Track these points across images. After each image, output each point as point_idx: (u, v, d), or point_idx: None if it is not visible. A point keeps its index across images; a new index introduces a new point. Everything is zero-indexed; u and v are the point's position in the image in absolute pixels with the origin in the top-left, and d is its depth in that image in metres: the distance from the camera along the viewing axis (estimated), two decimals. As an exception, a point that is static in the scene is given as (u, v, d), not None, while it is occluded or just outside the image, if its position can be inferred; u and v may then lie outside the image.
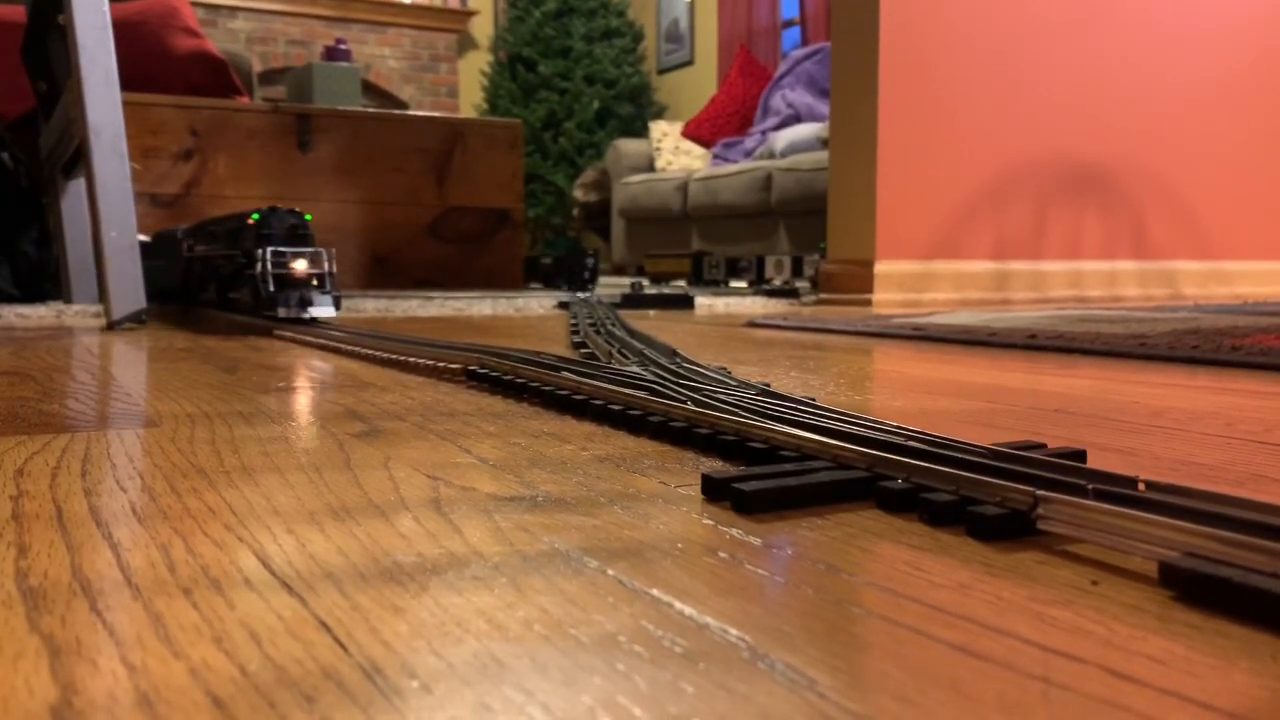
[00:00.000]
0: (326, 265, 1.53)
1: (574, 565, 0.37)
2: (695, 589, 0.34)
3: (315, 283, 1.51)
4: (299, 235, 1.53)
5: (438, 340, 1.11)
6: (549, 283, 3.48)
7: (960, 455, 0.47)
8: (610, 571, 0.36)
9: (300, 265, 1.50)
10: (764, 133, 4.58)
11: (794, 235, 4.02)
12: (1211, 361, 1.10)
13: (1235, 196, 2.91)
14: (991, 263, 2.54)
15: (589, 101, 5.75)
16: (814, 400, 0.66)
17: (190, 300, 1.98)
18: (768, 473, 0.48)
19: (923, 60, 2.42)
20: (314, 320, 1.50)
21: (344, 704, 0.25)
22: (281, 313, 1.48)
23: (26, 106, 2.47)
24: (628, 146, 5.22)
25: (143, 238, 1.94)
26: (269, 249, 1.49)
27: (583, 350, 1.17)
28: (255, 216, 1.49)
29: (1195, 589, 0.33)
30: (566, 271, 3.27)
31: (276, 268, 1.49)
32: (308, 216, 1.53)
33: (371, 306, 2.26)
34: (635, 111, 5.94)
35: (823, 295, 2.54)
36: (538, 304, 2.38)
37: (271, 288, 1.48)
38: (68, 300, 2.36)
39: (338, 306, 1.54)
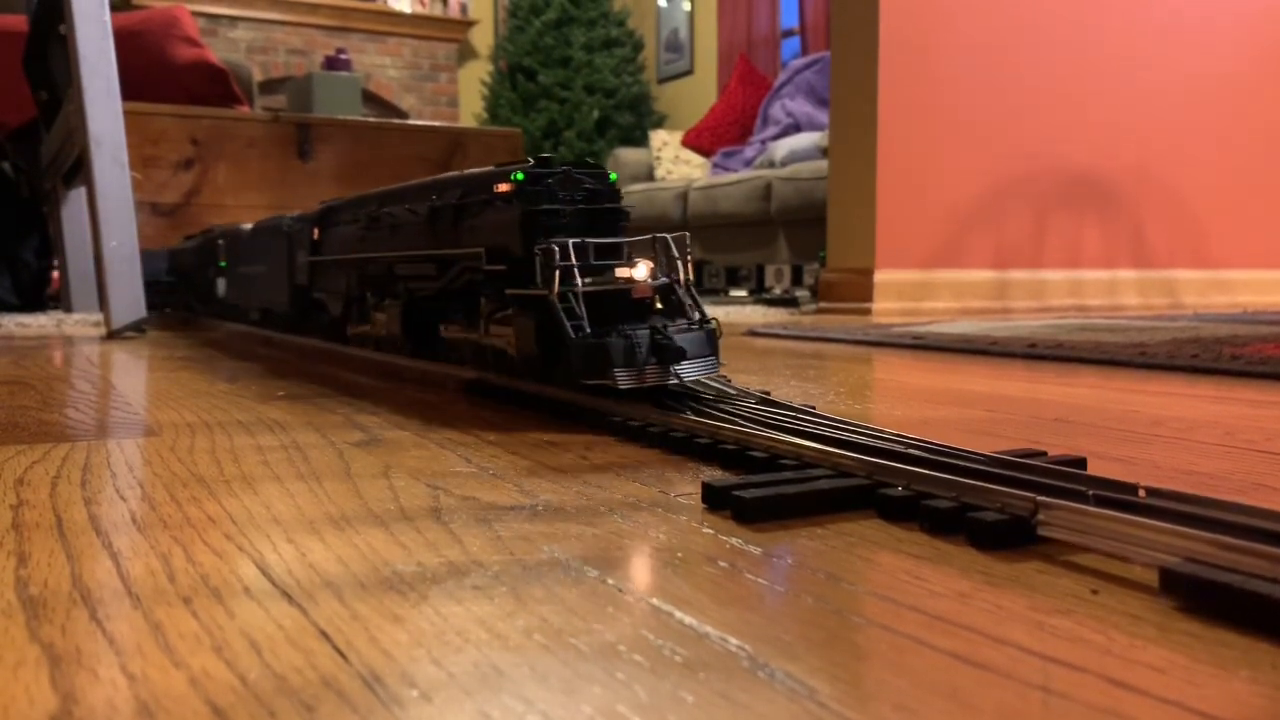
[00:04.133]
0: (681, 270, 0.77)
1: (574, 574, 0.37)
2: (695, 598, 0.34)
3: (663, 307, 0.77)
4: (608, 215, 0.79)
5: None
6: None
7: (960, 463, 0.47)
8: (610, 580, 0.36)
9: (639, 275, 0.75)
10: (764, 142, 4.58)
11: (794, 244, 4.02)
12: (1212, 370, 1.10)
13: (1235, 205, 2.91)
14: (991, 271, 2.54)
15: (589, 111, 5.76)
16: (813, 408, 0.66)
17: (325, 333, 1.28)
18: (768, 481, 0.48)
19: (922, 69, 2.43)
20: (694, 396, 0.71)
21: (344, 713, 0.25)
22: (623, 380, 0.69)
23: (27, 116, 2.47)
24: (628, 155, 5.23)
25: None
26: (560, 243, 0.73)
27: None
28: (519, 176, 0.77)
29: (1196, 595, 0.33)
30: None
31: (590, 285, 0.73)
32: (613, 176, 0.80)
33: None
34: (635, 121, 5.95)
35: (823, 304, 2.54)
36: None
37: (584, 327, 0.71)
38: (68, 309, 2.36)
39: (716, 354, 0.74)
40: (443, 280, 0.90)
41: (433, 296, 0.94)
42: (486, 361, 0.87)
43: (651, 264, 0.76)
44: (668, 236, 0.76)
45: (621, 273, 0.75)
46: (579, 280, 0.72)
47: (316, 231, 1.23)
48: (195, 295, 2.13)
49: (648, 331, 0.70)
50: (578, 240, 0.73)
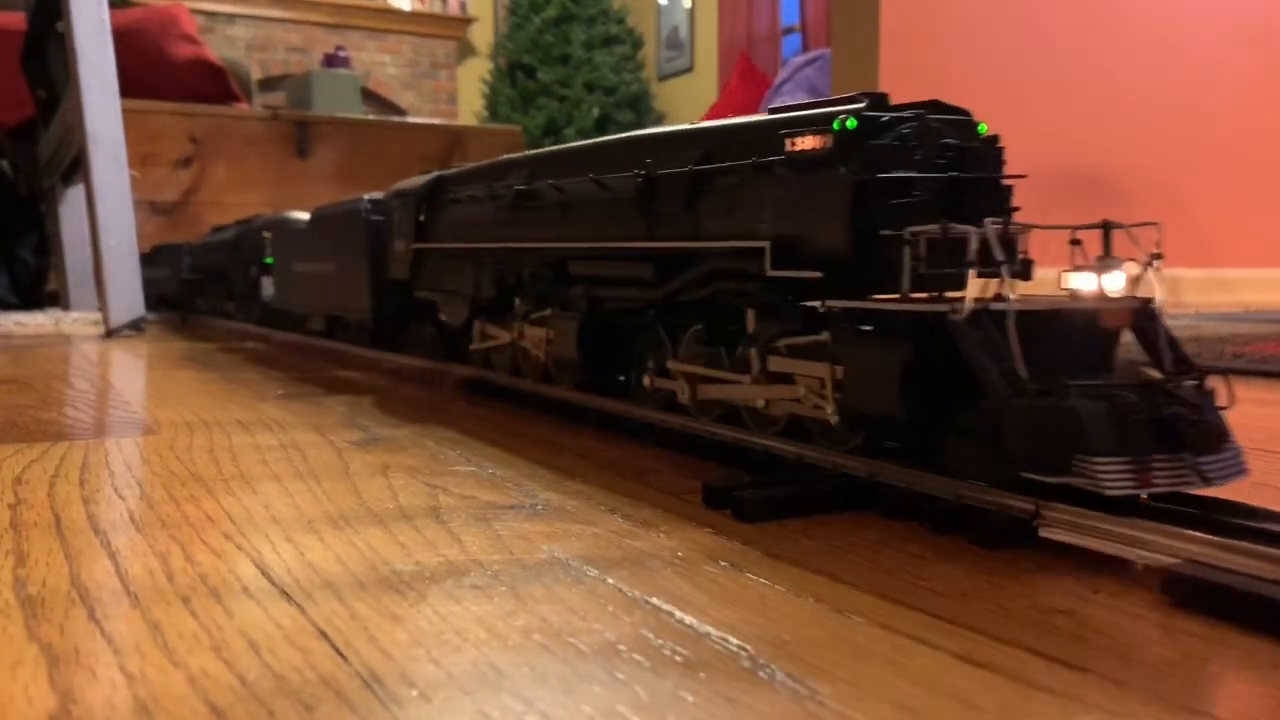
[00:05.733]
0: (1156, 285, 0.49)
1: (574, 574, 0.37)
2: (695, 598, 0.34)
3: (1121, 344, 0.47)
4: (985, 191, 0.51)
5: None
6: None
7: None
8: (610, 580, 0.36)
9: (1113, 286, 0.47)
10: (763, 140, 4.58)
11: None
12: (1213, 369, 1.10)
13: (1237, 203, 2.91)
14: (990, 269, 2.54)
15: (589, 108, 5.76)
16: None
17: (432, 349, 1.04)
18: (768, 481, 0.48)
19: (923, 66, 2.42)
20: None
21: (343, 712, 0.25)
22: (1113, 478, 0.37)
23: (25, 114, 2.47)
24: (627, 154, 5.22)
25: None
26: (956, 231, 0.44)
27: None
28: (848, 124, 0.48)
29: (1197, 596, 0.33)
30: None
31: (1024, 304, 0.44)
32: (981, 127, 0.52)
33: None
34: (635, 118, 5.95)
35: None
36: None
37: (1021, 375, 0.40)
38: (66, 307, 2.36)
39: (1230, 435, 0.43)
40: (668, 286, 0.61)
41: (636, 309, 0.67)
42: (756, 422, 0.56)
43: (1124, 270, 0.47)
44: (1129, 225, 0.47)
45: (1080, 284, 0.47)
46: (1008, 288, 0.43)
47: (422, 212, 0.93)
48: (233, 298, 1.85)
49: (1140, 389, 0.41)
50: (994, 223, 0.44)
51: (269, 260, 1.55)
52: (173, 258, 2.36)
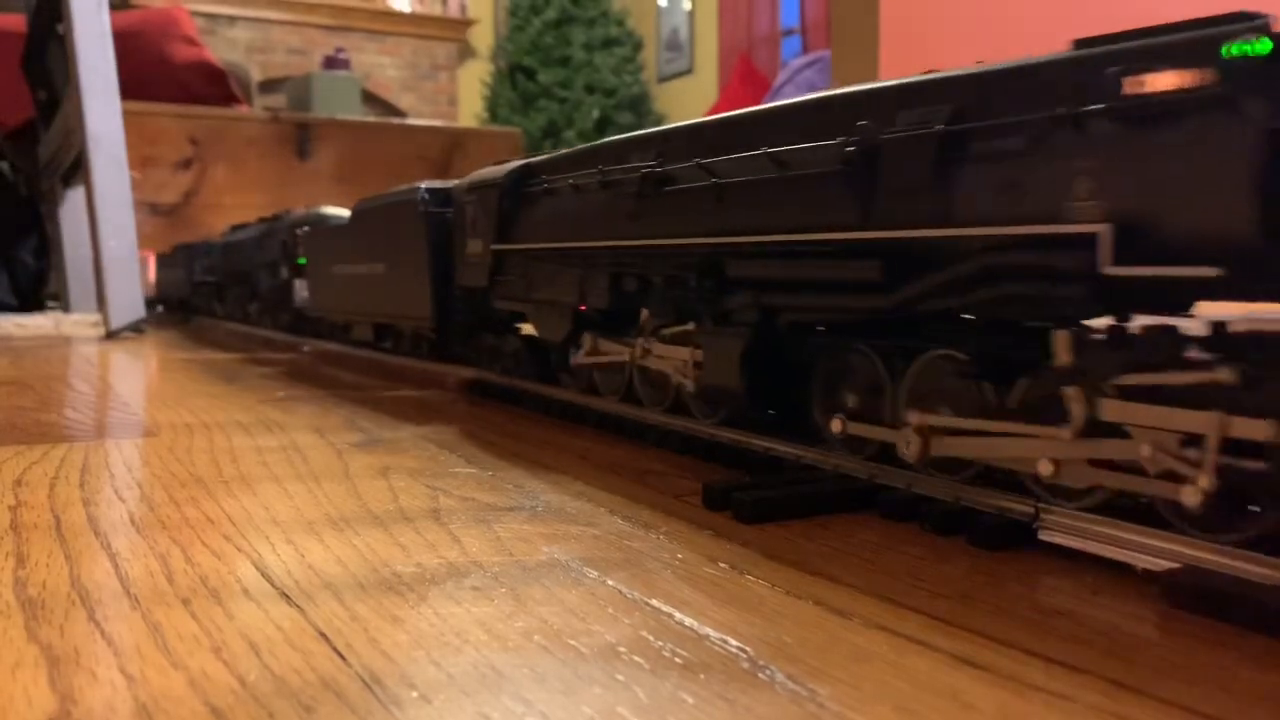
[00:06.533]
0: None
1: (574, 575, 0.37)
2: (695, 599, 0.34)
3: None
4: None
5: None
6: None
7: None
8: (610, 582, 0.36)
9: None
10: (763, 141, 4.59)
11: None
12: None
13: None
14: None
15: (589, 110, 5.76)
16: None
17: (513, 364, 0.87)
18: (769, 483, 0.48)
19: (923, 68, 2.43)
20: None
21: (343, 714, 0.25)
22: None
23: (26, 116, 2.47)
24: (627, 155, 5.23)
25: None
26: None
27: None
28: (1258, 47, 0.32)
29: (1196, 600, 0.33)
30: None
31: None
32: None
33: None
34: (635, 120, 5.95)
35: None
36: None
37: None
38: (66, 309, 2.36)
39: None
40: (905, 292, 0.45)
41: (832, 324, 0.53)
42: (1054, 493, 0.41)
43: None
44: None
45: None
46: None
47: (505, 207, 0.79)
48: (260, 302, 1.72)
49: None
50: None
51: (302, 261, 1.41)
52: (191, 259, 2.26)
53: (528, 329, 0.83)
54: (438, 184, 0.93)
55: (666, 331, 0.63)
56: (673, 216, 0.58)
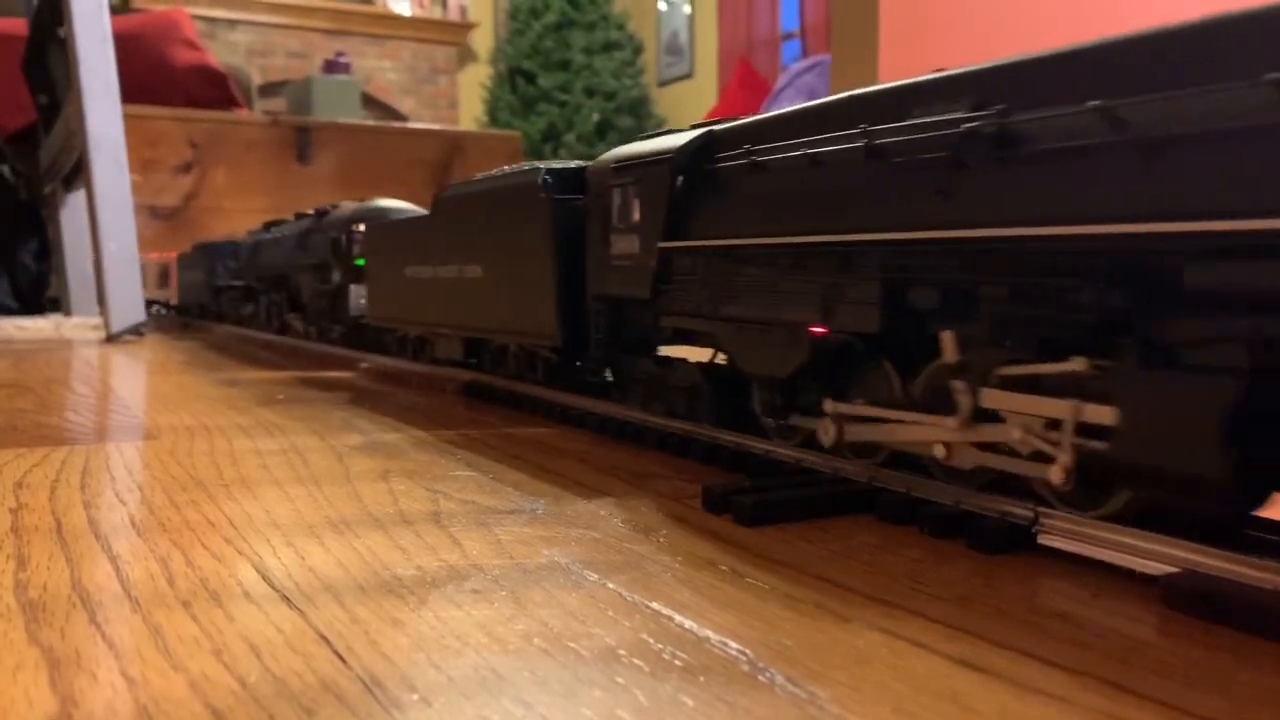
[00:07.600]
0: None
1: (574, 578, 0.37)
2: (695, 602, 0.34)
3: None
4: None
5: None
6: None
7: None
8: (610, 585, 0.36)
9: None
10: (763, 145, 4.59)
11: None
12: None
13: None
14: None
15: (589, 114, 5.77)
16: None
17: (693, 405, 0.64)
18: (768, 486, 0.48)
19: (923, 70, 2.43)
20: None
21: (343, 716, 0.25)
22: None
23: (27, 119, 2.48)
24: (627, 159, 5.22)
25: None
26: None
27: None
28: None
29: (1195, 603, 0.33)
30: None
31: None
32: None
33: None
34: (635, 124, 5.95)
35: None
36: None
37: None
38: (67, 312, 2.36)
39: None
40: None
41: None
42: None
43: None
44: None
45: None
46: None
47: (674, 187, 0.59)
48: (303, 311, 1.51)
49: None
50: None
51: (360, 262, 1.22)
52: (213, 260, 2.05)
53: (690, 353, 0.64)
54: (559, 164, 0.73)
55: (1007, 373, 0.41)
56: (1019, 198, 0.39)
